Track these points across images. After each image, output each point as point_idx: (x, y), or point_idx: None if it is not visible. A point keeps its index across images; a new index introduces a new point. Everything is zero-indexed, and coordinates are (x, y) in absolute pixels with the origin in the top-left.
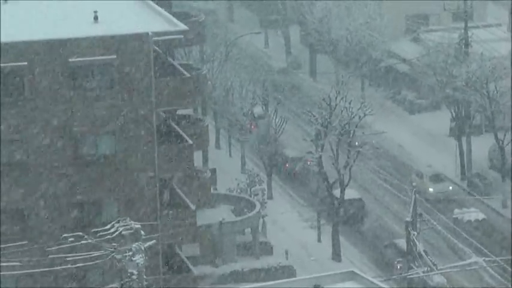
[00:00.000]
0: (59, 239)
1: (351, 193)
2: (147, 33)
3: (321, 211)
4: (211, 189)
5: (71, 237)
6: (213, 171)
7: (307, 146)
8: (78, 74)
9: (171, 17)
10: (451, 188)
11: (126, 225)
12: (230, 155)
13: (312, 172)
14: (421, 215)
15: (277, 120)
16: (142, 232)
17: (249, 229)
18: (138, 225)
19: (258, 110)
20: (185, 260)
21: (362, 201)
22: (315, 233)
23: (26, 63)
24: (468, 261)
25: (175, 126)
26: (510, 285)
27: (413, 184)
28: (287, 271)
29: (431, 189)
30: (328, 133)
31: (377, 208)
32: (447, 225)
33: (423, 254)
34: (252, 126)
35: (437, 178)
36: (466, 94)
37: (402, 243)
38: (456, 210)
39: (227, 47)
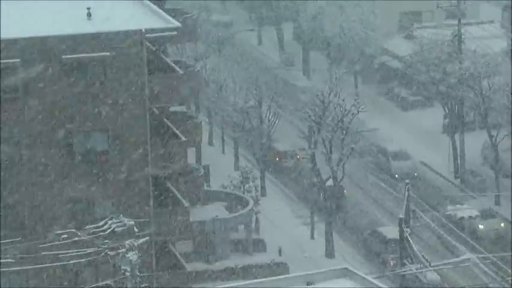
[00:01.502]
0: (52, 236)
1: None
2: (141, 30)
3: (313, 207)
4: (205, 186)
5: (64, 234)
6: (206, 168)
7: (298, 141)
8: (71, 70)
9: (164, 14)
10: (502, 225)
11: (119, 222)
12: (223, 151)
13: (299, 164)
14: (414, 211)
15: (270, 116)
16: (135, 229)
17: (243, 226)
18: (131, 222)
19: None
20: (178, 256)
21: (342, 188)
22: (308, 229)
23: (19, 60)
24: (461, 257)
25: (169, 123)
26: (503, 281)
27: (406, 181)
28: (280, 268)
29: (481, 226)
30: (321, 130)
31: (367, 203)
32: (440, 221)
33: (416, 251)
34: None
35: (487, 214)
36: (459, 91)
37: (385, 231)
38: (449, 207)
39: (220, 44)
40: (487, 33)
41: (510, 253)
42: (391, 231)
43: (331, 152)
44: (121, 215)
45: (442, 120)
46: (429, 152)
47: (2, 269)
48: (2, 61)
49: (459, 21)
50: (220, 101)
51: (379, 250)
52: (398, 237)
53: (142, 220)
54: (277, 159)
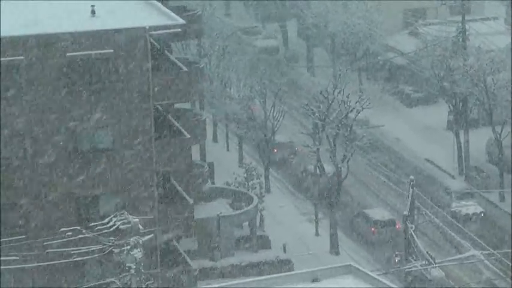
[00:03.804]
0: (56, 234)
1: (328, 169)
2: (145, 27)
3: (317, 204)
4: (209, 183)
5: (68, 231)
6: (211, 165)
7: (302, 137)
8: (75, 68)
9: (168, 11)
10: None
11: (124, 219)
12: (227, 148)
13: (303, 160)
14: (418, 208)
15: (274, 113)
16: (140, 226)
17: (247, 223)
18: (135, 219)
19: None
20: (183, 253)
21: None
22: (313, 226)
23: (23, 57)
24: (466, 254)
25: (173, 120)
26: (508, 278)
27: (411, 177)
28: (285, 265)
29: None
30: (325, 126)
31: (372, 200)
32: (445, 218)
33: (420, 247)
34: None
35: None
36: (463, 87)
37: (371, 213)
38: (454, 204)
39: (224, 41)
40: (491, 29)
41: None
42: (377, 213)
43: (335, 148)
44: (125, 212)
45: (447, 116)
46: (433, 149)
47: (6, 267)
48: (6, 58)
49: (463, 17)
50: (225, 97)
51: (365, 232)
52: (383, 219)
53: (147, 217)
54: (275, 150)
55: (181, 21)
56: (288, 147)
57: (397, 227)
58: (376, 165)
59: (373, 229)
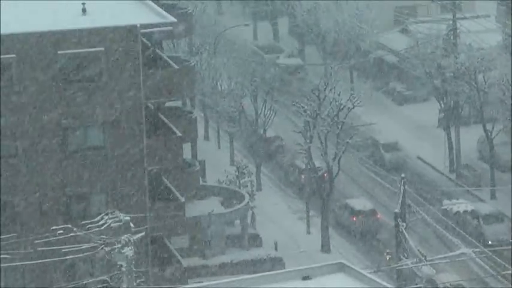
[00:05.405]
0: (47, 232)
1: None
2: (136, 25)
3: (309, 202)
4: (200, 181)
5: (59, 229)
6: (202, 163)
7: (293, 135)
8: (66, 66)
9: (159, 9)
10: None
11: (115, 217)
12: (219, 146)
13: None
14: (409, 206)
15: (265, 110)
16: (131, 224)
17: (238, 221)
18: (127, 218)
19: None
20: (174, 252)
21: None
22: (304, 224)
23: (14, 55)
24: (457, 252)
25: (164, 119)
26: (499, 276)
27: (402, 175)
28: (276, 263)
29: None
30: (316, 124)
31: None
32: (436, 216)
33: (412, 245)
34: None
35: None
36: (454, 85)
37: (354, 203)
38: (445, 202)
39: (216, 39)
40: (482, 27)
41: (509, 247)
42: (359, 203)
43: (326, 146)
44: (117, 211)
45: (438, 114)
46: (424, 147)
47: None
48: None
49: (454, 15)
50: (216, 95)
51: (347, 222)
52: (365, 209)
53: (138, 215)
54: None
55: (172, 19)
56: (274, 141)
57: (378, 216)
58: (367, 163)
59: (354, 218)
